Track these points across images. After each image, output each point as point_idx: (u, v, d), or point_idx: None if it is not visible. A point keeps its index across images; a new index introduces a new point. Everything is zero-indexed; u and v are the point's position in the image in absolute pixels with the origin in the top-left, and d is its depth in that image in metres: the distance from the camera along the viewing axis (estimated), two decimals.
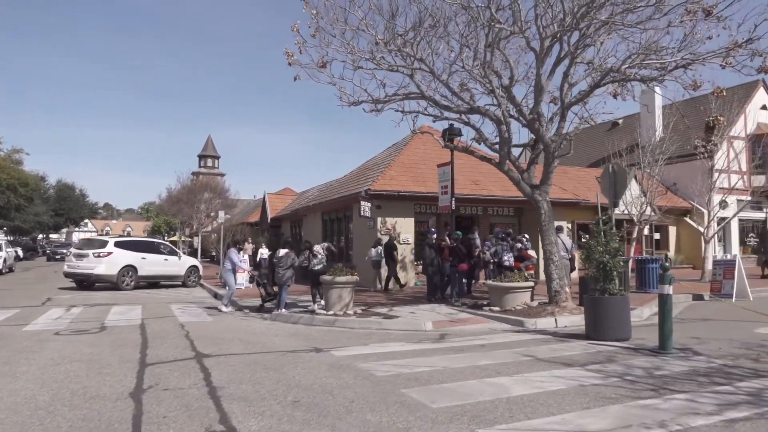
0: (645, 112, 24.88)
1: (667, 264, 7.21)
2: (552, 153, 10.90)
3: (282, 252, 11.81)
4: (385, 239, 16.50)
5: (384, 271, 16.09)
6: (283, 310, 11.20)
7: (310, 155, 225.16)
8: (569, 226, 21.65)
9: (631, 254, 16.34)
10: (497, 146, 11.77)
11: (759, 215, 25.54)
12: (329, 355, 6.93)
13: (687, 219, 20.32)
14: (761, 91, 26.32)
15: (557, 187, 21.20)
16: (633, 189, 16.82)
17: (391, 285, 15.88)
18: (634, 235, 16.31)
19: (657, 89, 25.43)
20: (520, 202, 17.58)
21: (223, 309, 12.13)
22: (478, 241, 14.11)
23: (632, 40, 10.70)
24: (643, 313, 10.90)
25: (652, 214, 22.34)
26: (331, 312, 10.68)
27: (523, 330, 9.28)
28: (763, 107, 26.31)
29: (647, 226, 23.15)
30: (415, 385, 5.32)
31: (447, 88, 10.62)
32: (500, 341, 8.04)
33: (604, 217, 8.34)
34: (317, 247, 12.08)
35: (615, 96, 13.00)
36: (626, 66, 10.10)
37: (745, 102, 25.23)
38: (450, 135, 13.47)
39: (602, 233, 8.09)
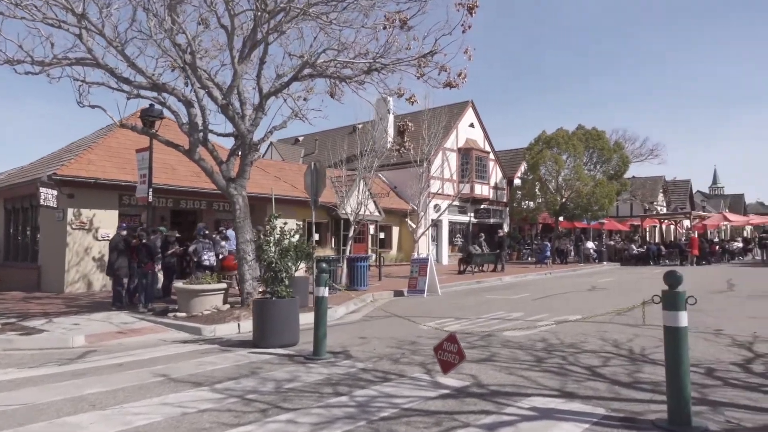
0: (377, 118, 26.46)
1: (325, 265, 6.94)
2: (249, 144, 10.13)
3: None
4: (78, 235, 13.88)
5: None
6: None
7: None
8: (299, 224, 21.62)
9: (348, 253, 16.76)
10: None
11: (464, 219, 29.37)
12: None
13: (407, 220, 22.13)
14: (470, 110, 30.36)
15: (289, 185, 20.97)
16: (360, 190, 17.37)
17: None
18: (351, 234, 16.78)
19: (390, 99, 27.08)
20: (250, 198, 16.69)
21: None
22: (159, 241, 12.38)
23: (334, 36, 10.64)
24: (337, 312, 10.87)
25: (377, 214, 23.78)
26: None
27: (198, 339, 8.25)
28: (471, 125, 30.41)
29: (373, 226, 24.59)
30: None
31: (122, 56, 8.98)
32: (150, 357, 6.84)
33: (277, 214, 7.79)
34: None
35: (332, 95, 12.99)
36: (321, 60, 9.91)
37: (458, 119, 28.79)
38: (147, 116, 11.75)
39: (275, 230, 7.51)
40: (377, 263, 18.82)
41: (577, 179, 28.06)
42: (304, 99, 13.03)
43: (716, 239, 35.48)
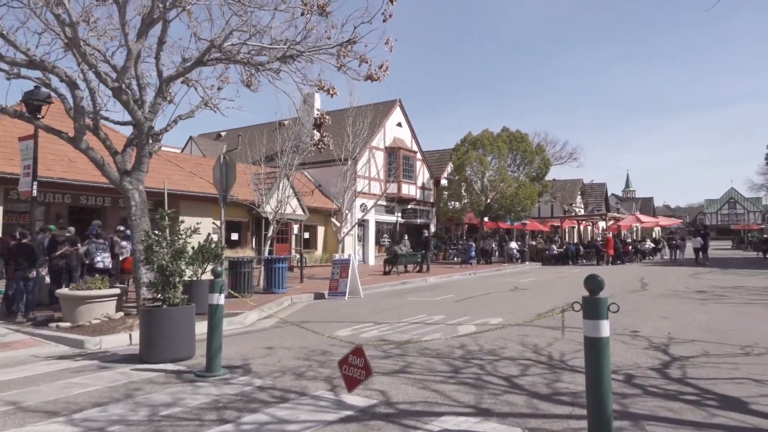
0: (305, 114, 25.57)
1: (220, 269, 6.16)
2: (147, 133, 9.10)
3: None
4: None
5: None
6: None
7: None
8: (217, 223, 20.40)
9: (265, 253, 15.86)
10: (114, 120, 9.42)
11: (391, 218, 29.06)
12: None
13: (332, 219, 21.45)
14: (398, 109, 30.11)
15: (205, 181, 19.69)
16: (282, 188, 16.49)
17: None
18: (270, 234, 15.89)
19: (317, 95, 26.26)
20: (160, 194, 15.38)
21: None
22: (46, 241, 11.05)
23: (246, 19, 9.81)
24: (248, 318, 10.02)
25: (301, 213, 22.93)
26: None
27: (77, 354, 7.18)
28: (399, 124, 30.17)
29: (297, 225, 23.69)
30: None
31: None
32: (7, 378, 5.78)
33: (170, 212, 6.90)
34: None
35: (248, 85, 12.08)
36: (230, 44, 9.07)
37: (385, 117, 28.42)
38: (31, 100, 10.38)
39: (166, 230, 6.62)
40: (299, 264, 18.00)
41: (502, 180, 28.48)
42: (218, 88, 12.10)
43: (629, 240, 37.30)
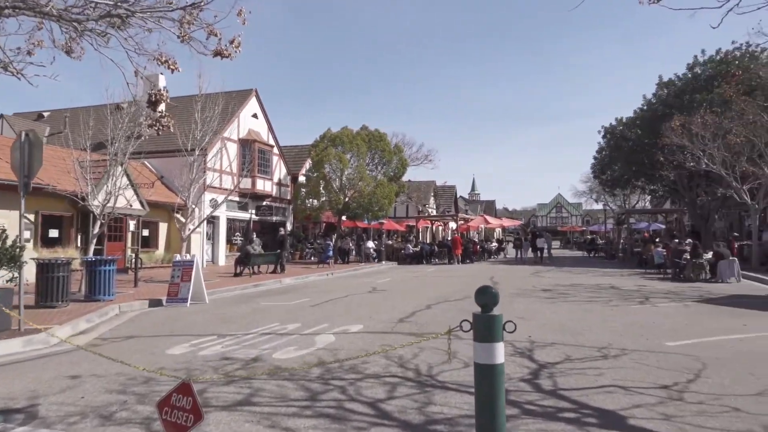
0: (143, 92, 22.78)
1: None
2: None
3: None
4: None
5: None
6: None
7: None
8: (30, 219, 17.15)
9: (90, 253, 13.50)
10: None
11: (245, 215, 27.26)
12: None
13: (177, 215, 19.27)
14: (254, 100, 28.37)
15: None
16: (115, 179, 14.14)
17: None
18: (96, 231, 13.58)
19: (162, 76, 23.57)
20: None
21: None
22: None
23: None
24: (58, 333, 8.07)
25: (139, 207, 20.31)
26: None
27: None
28: (254, 116, 28.44)
29: (134, 221, 20.97)
30: None
31: None
32: None
33: None
34: None
35: (68, 53, 9.92)
36: None
37: (240, 107, 26.54)
38: None
39: None
40: (134, 266, 15.71)
41: (360, 179, 28.19)
42: (28, 53, 9.82)
43: (477, 239, 39.49)
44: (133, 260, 15.66)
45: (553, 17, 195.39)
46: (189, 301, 11.87)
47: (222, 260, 25.50)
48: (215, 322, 9.49)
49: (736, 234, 25.92)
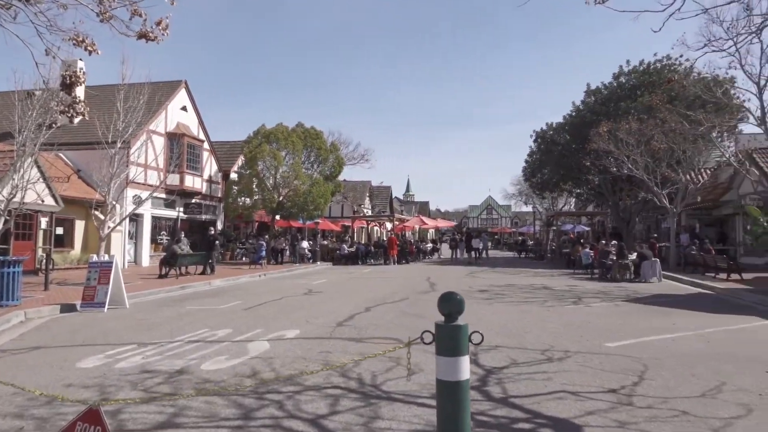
0: (59, 77, 21.02)
1: None
2: None
3: None
4: None
5: None
6: None
7: None
8: None
9: None
10: None
11: (172, 213, 25.85)
12: None
13: (95, 212, 17.82)
14: (183, 92, 26.97)
15: None
16: (23, 171, 12.78)
17: None
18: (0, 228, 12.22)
19: (81, 61, 21.86)
20: None
21: None
22: None
23: None
24: None
25: (52, 203, 18.67)
26: None
27: None
28: (184, 108, 27.03)
29: (46, 218, 19.27)
30: None
31: None
32: None
33: None
34: None
35: None
36: None
37: (168, 99, 25.12)
38: None
39: None
40: (45, 267, 14.34)
41: (296, 177, 27.45)
42: None
43: (412, 240, 39.63)
44: (44, 261, 14.28)
45: (495, 23, 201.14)
46: (107, 306, 10.88)
47: (146, 261, 24.02)
48: (136, 329, 8.68)
49: (655, 236, 27.38)
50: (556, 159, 31.71)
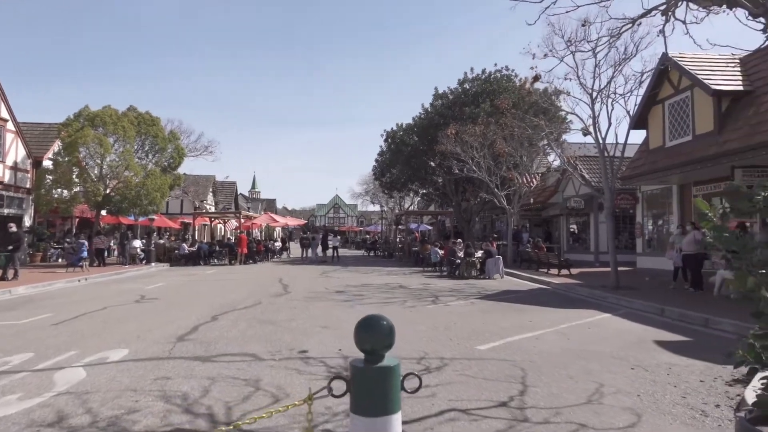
0: None
1: None
2: None
3: None
4: None
5: None
6: None
7: None
8: None
9: None
10: None
11: None
12: None
13: None
14: None
15: None
16: None
17: None
18: None
19: None
20: None
21: None
22: None
23: None
24: None
25: None
26: None
27: None
28: None
29: None
30: None
31: None
32: None
33: None
34: None
35: None
36: None
37: None
38: None
39: None
40: None
41: (126, 167, 24.20)
42: None
43: (260, 238, 37.75)
44: None
45: (353, 31, 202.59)
46: None
47: None
48: None
49: (495, 234, 29.25)
50: (405, 159, 32.34)
